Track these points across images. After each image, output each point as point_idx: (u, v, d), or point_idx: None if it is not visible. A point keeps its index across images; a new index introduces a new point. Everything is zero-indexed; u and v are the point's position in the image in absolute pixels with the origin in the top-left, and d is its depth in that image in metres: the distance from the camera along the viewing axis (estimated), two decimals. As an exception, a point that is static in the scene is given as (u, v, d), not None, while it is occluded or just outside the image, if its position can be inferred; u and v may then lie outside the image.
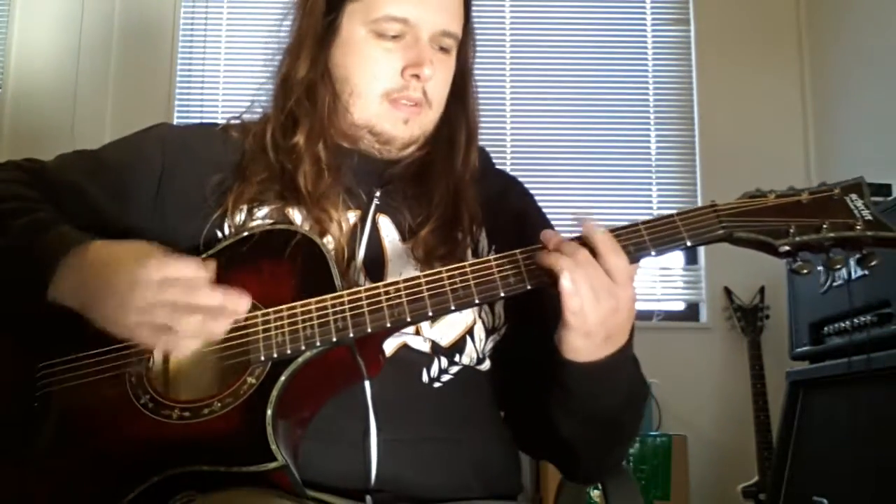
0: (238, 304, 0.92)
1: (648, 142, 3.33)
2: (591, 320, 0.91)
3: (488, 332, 1.10)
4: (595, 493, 2.38)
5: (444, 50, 1.13)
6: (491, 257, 0.96)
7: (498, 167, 1.30)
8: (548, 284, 0.93)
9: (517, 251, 0.95)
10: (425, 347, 1.06)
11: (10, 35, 3.34)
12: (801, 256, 0.95)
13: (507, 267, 0.94)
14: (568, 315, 0.91)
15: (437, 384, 1.06)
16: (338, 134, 1.15)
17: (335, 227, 1.08)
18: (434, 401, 1.05)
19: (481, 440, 1.08)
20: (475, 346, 1.08)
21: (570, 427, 1.02)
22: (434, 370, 1.06)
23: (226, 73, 3.39)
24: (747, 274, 3.02)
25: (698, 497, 2.91)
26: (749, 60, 3.30)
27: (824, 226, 0.94)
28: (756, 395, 2.85)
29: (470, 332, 1.08)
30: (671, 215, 0.96)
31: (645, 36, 3.42)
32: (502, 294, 0.94)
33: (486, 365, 1.10)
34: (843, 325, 2.12)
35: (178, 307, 0.90)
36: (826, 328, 2.23)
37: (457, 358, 1.07)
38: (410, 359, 1.05)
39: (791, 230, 0.94)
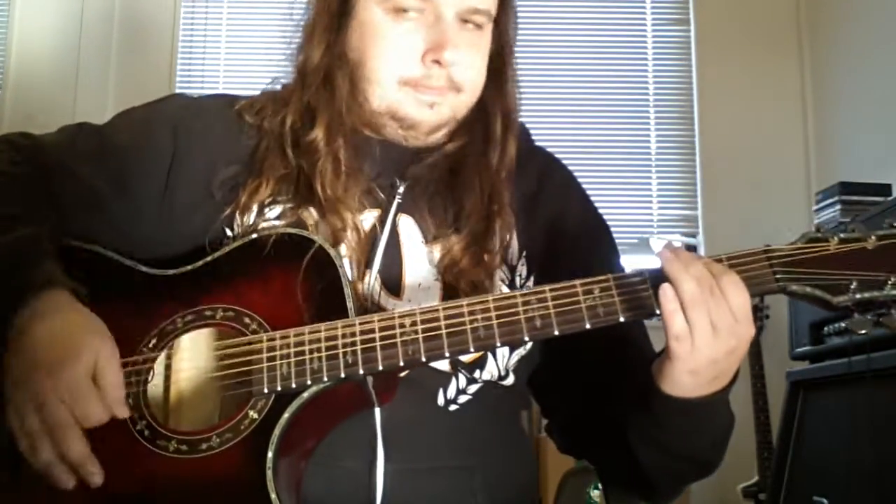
0: (88, 476, 0.84)
1: (648, 142, 3.33)
2: (703, 358, 0.83)
3: (512, 348, 1.02)
4: (595, 493, 2.38)
5: (477, 27, 1.01)
6: (517, 293, 0.88)
7: (539, 148, 1.18)
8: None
9: (546, 288, 0.87)
10: (444, 364, 0.97)
11: (11, 33, 3.34)
12: (858, 314, 0.87)
13: (535, 306, 0.86)
14: (678, 351, 0.83)
15: (453, 406, 0.98)
16: (359, 122, 1.05)
17: (351, 234, 0.99)
18: (449, 426, 0.98)
19: (498, 464, 1.01)
20: (497, 363, 1.01)
21: (654, 459, 0.95)
22: (451, 391, 0.98)
23: (226, 73, 3.38)
24: (747, 274, 3.01)
25: (698, 497, 2.91)
26: (749, 60, 3.30)
27: (890, 281, 0.84)
28: (756, 395, 2.85)
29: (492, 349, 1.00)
30: (719, 259, 0.87)
31: (645, 36, 3.41)
32: (526, 339, 0.87)
33: (510, 380, 1.02)
34: (843, 325, 2.11)
35: (52, 434, 0.83)
36: (826, 328, 2.22)
37: (477, 374, 0.99)
38: (427, 379, 0.97)
39: (852, 286, 0.84)
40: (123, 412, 0.86)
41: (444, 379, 0.98)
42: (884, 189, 2.28)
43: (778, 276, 0.86)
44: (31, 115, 3.22)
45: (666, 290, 0.82)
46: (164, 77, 3.33)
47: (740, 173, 3.17)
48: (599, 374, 1.02)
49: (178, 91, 3.32)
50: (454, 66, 1.00)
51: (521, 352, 1.03)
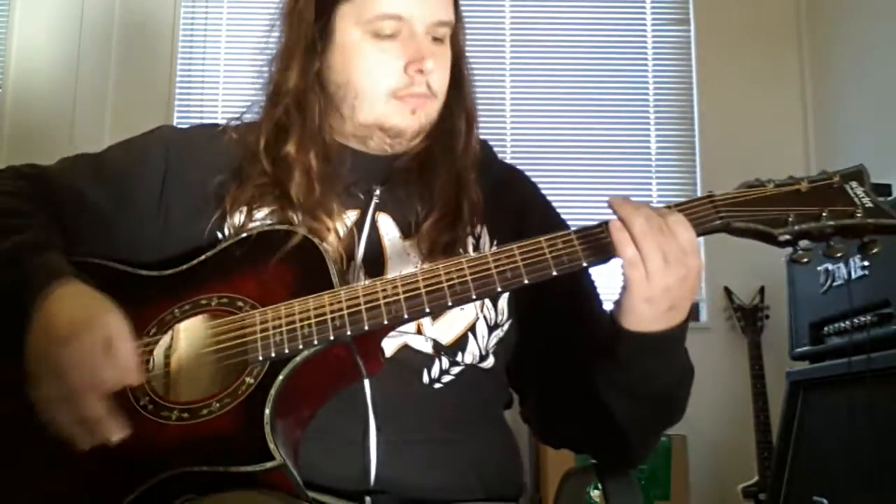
0: (106, 433, 0.88)
1: (648, 142, 3.33)
2: (657, 285, 0.90)
3: (491, 329, 1.09)
4: (595, 493, 2.38)
5: (438, 40, 1.12)
6: (488, 252, 0.95)
7: (502, 160, 1.28)
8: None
9: (514, 245, 0.94)
10: (427, 347, 1.05)
11: (10, 35, 3.34)
12: (801, 245, 0.93)
13: (504, 262, 0.93)
14: (633, 277, 0.90)
15: (437, 385, 1.05)
16: (342, 136, 1.15)
17: (331, 236, 1.07)
18: (435, 402, 1.04)
19: (482, 441, 1.07)
20: (478, 344, 1.07)
21: (623, 406, 1.00)
22: (435, 371, 1.05)
23: (226, 73, 3.39)
24: (747, 274, 3.02)
25: (698, 497, 2.91)
26: (749, 60, 3.31)
27: (824, 214, 0.92)
28: (756, 395, 2.85)
29: (472, 328, 1.07)
30: (669, 207, 0.95)
31: (645, 36, 3.42)
32: (499, 289, 0.93)
33: (490, 362, 1.09)
34: (843, 325, 2.12)
35: (70, 399, 0.87)
36: (826, 328, 2.23)
37: (459, 357, 1.06)
38: (411, 359, 1.04)
39: (790, 219, 0.92)
40: (136, 379, 0.91)
41: (427, 360, 1.05)
42: (884, 189, 2.27)
43: (721, 215, 0.94)
44: (30, 117, 3.23)
45: (614, 222, 0.92)
46: (164, 77, 3.33)
47: (740, 173, 3.14)
48: (565, 335, 1.10)
49: (177, 90, 3.34)
50: (431, 75, 1.10)
51: (499, 333, 1.10)
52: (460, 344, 1.06)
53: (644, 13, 3.43)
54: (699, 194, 3.65)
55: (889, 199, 2.13)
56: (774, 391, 2.73)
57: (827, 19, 3.21)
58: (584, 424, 1.08)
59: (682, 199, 0.97)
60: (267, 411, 0.88)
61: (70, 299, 0.93)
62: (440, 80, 1.12)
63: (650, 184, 3.30)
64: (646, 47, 3.41)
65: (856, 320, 2.04)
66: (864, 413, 1.96)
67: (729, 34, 3.34)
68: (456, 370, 1.06)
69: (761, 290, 3.05)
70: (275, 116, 1.13)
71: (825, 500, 2.06)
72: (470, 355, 1.07)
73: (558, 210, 1.25)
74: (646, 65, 3.39)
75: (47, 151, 1.17)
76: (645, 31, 3.42)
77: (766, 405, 2.82)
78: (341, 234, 1.08)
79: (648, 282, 0.90)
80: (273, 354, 0.93)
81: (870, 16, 2.92)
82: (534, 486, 2.77)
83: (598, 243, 0.94)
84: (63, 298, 0.93)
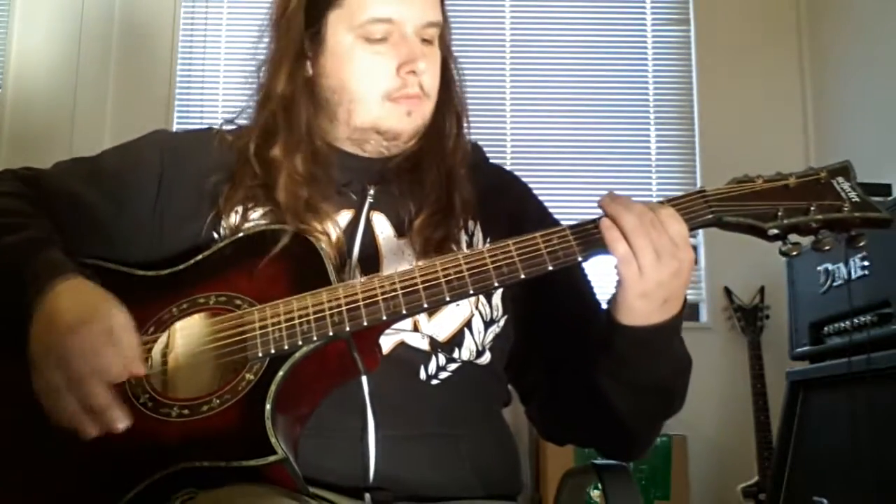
0: (112, 421, 0.89)
1: (648, 142, 3.33)
2: (650, 280, 0.92)
3: (486, 324, 1.10)
4: (595, 493, 2.38)
5: (427, 41, 1.14)
6: (484, 248, 0.97)
7: (495, 163, 1.30)
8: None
9: (510, 241, 0.96)
10: (423, 344, 1.06)
11: (10, 36, 3.34)
12: (790, 239, 0.96)
13: (500, 257, 0.95)
14: (626, 274, 0.92)
15: (434, 381, 1.06)
16: (336, 140, 1.15)
17: (323, 239, 1.07)
18: (433, 398, 1.05)
19: (480, 437, 1.08)
20: (474, 339, 1.09)
21: (623, 399, 1.02)
22: (432, 367, 1.06)
23: (226, 74, 3.39)
24: (747, 274, 3.02)
25: (698, 497, 2.91)
26: (749, 60, 3.31)
27: (812, 208, 0.95)
28: (756, 395, 2.85)
29: (468, 324, 1.08)
30: (661, 202, 0.98)
31: (645, 36, 3.42)
32: (496, 284, 0.95)
33: (486, 358, 1.10)
34: (843, 325, 2.12)
35: (75, 386, 0.89)
36: (826, 328, 2.23)
37: (455, 353, 1.07)
38: (408, 357, 1.05)
39: (779, 213, 0.95)
40: (140, 369, 0.93)
41: (424, 357, 1.06)
42: (884, 189, 2.28)
43: (713, 209, 0.98)
44: (30, 118, 3.23)
45: (605, 220, 0.95)
46: (164, 78, 3.33)
47: (740, 173, 3.17)
48: (563, 333, 1.12)
49: (177, 90, 3.34)
50: (423, 75, 1.12)
51: (495, 329, 1.11)
52: (456, 340, 1.07)
53: (644, 13, 3.43)
54: (698, 194, 3.54)
55: (889, 199, 2.13)
56: (774, 391, 2.73)
57: (827, 19, 3.21)
58: (588, 420, 1.09)
59: (674, 196, 1.00)
60: (268, 406, 0.89)
61: (74, 293, 0.95)
62: (432, 80, 1.14)
63: (650, 184, 3.30)
64: (646, 47, 3.41)
65: (856, 320, 2.04)
66: (864, 413, 1.96)
67: (729, 34, 3.34)
68: (453, 366, 1.07)
69: (761, 290, 3.05)
70: (263, 121, 1.15)
71: (825, 500, 2.06)
72: (466, 351, 1.08)
73: (558, 210, 1.26)
74: (646, 65, 3.39)
75: (47, 152, 1.18)
76: (645, 31, 3.42)
77: (766, 405, 2.82)
78: (333, 236, 1.09)
79: (642, 277, 0.92)
80: (273, 351, 0.94)
81: (870, 16, 2.92)
82: (534, 486, 2.77)
83: (592, 239, 0.96)
84: (68, 292, 0.94)
